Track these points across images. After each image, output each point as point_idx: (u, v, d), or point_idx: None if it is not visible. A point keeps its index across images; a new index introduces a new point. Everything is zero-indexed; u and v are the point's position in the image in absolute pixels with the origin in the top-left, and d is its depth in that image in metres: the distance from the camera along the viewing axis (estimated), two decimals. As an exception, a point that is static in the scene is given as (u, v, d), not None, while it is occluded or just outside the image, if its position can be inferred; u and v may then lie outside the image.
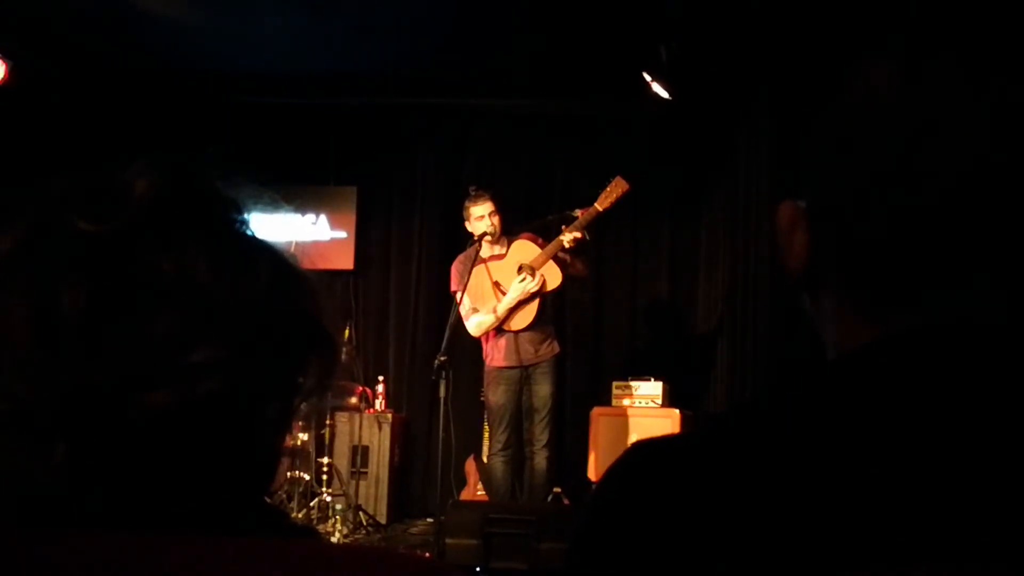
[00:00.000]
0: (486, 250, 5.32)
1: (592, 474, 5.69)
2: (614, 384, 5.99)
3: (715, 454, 0.65)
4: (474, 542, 4.37)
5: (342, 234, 7.05)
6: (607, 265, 6.79)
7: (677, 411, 5.71)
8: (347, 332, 6.26)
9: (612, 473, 0.69)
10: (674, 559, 0.62)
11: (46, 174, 0.69)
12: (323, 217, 7.03)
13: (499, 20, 5.60)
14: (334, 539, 5.28)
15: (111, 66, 6.18)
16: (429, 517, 6.21)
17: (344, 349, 5.90)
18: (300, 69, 6.39)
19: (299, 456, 5.80)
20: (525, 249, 5.29)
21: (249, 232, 0.74)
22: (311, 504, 5.70)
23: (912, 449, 0.60)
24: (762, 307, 5.99)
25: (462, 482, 5.97)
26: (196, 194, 0.71)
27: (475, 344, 5.55)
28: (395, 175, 7.17)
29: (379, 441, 6.36)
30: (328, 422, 6.00)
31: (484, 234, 5.29)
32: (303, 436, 5.77)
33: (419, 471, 6.74)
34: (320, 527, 5.46)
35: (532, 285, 5.18)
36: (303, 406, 0.73)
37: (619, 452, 0.70)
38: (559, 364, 5.59)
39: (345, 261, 6.97)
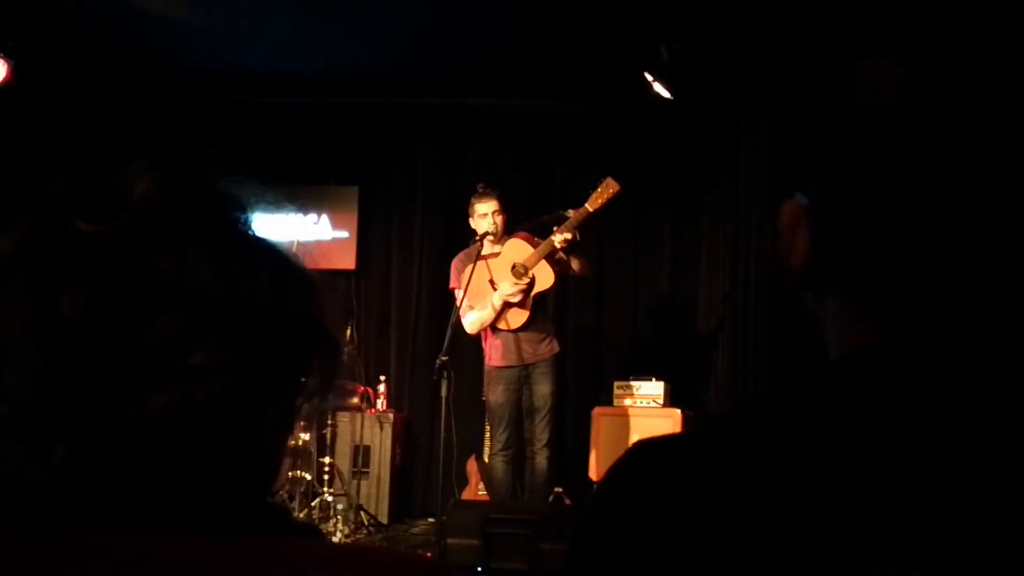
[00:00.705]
0: (487, 248, 5.33)
1: (593, 474, 5.69)
2: (615, 384, 5.99)
3: (716, 454, 0.65)
4: (475, 542, 4.37)
5: (344, 234, 7.05)
6: (608, 265, 6.79)
7: (678, 411, 5.71)
8: (349, 332, 6.26)
9: (613, 473, 0.69)
10: (675, 558, 0.62)
11: (46, 174, 0.69)
12: (325, 217, 7.03)
13: (499, 20, 5.60)
14: (335, 539, 5.28)
15: (111, 66, 6.18)
16: (430, 517, 6.21)
17: (346, 349, 5.89)
18: (301, 69, 6.39)
19: (300, 456, 5.80)
20: (518, 248, 5.29)
21: (251, 232, 0.73)
22: (312, 504, 5.70)
23: (912, 449, 0.60)
24: (763, 307, 5.98)
25: (463, 482, 5.97)
26: (197, 194, 0.71)
27: (476, 344, 5.55)
28: (396, 175, 7.17)
29: (380, 441, 6.36)
30: (330, 422, 6.00)
31: (486, 233, 5.29)
32: (305, 436, 5.78)
33: (420, 471, 6.74)
34: (321, 527, 5.46)
35: (523, 284, 5.18)
36: (305, 406, 0.73)
37: (620, 452, 0.70)
38: (559, 364, 5.58)
39: (347, 261, 6.97)
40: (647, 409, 5.80)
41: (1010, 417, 0.60)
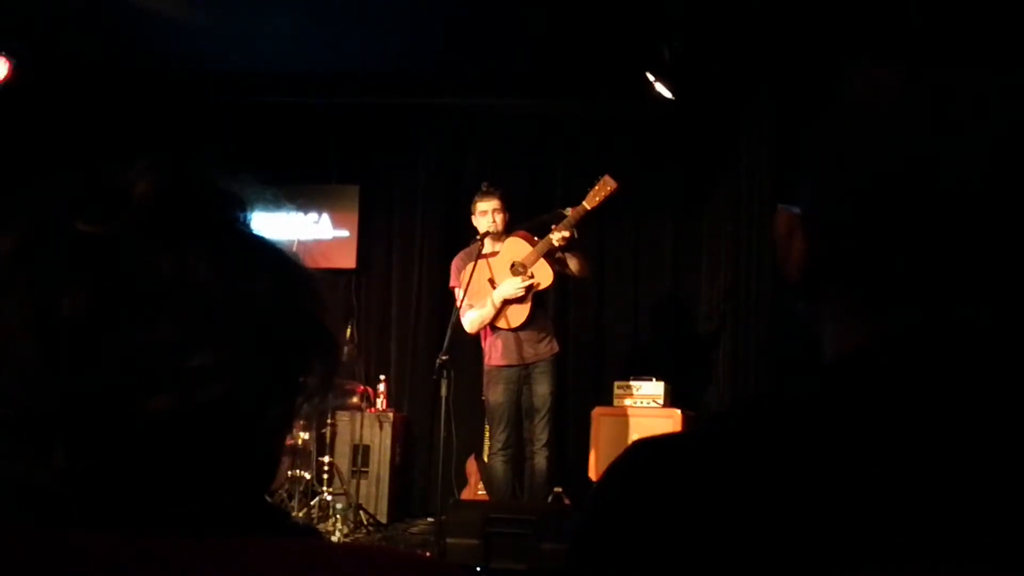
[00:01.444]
0: (487, 247, 5.33)
1: (593, 474, 5.69)
2: (615, 384, 5.99)
3: (715, 453, 0.66)
4: (475, 542, 4.37)
5: (344, 233, 7.05)
6: (609, 265, 6.79)
7: (678, 411, 5.71)
8: (349, 331, 6.26)
9: (613, 472, 0.69)
10: (674, 558, 0.62)
11: (46, 174, 0.68)
12: (325, 216, 7.04)
13: (501, 20, 5.59)
14: (334, 538, 5.28)
15: (112, 65, 6.18)
16: (430, 517, 6.21)
17: (346, 348, 5.89)
18: (301, 69, 6.39)
19: (300, 455, 5.80)
20: (517, 247, 5.30)
21: (251, 232, 0.73)
22: (312, 503, 5.70)
23: (911, 449, 0.60)
24: (764, 307, 5.99)
25: (463, 481, 5.97)
26: (197, 195, 0.70)
27: (476, 343, 5.55)
28: (397, 174, 7.17)
29: (380, 440, 6.36)
30: (329, 421, 6.00)
31: (487, 232, 5.30)
32: (304, 435, 5.78)
33: (420, 470, 6.74)
34: (320, 526, 5.46)
35: (523, 283, 5.18)
36: (305, 406, 0.73)
37: (620, 452, 0.70)
38: (559, 363, 5.59)
39: (347, 260, 6.97)
40: (647, 409, 5.80)
41: (1010, 416, 0.60)
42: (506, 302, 5.25)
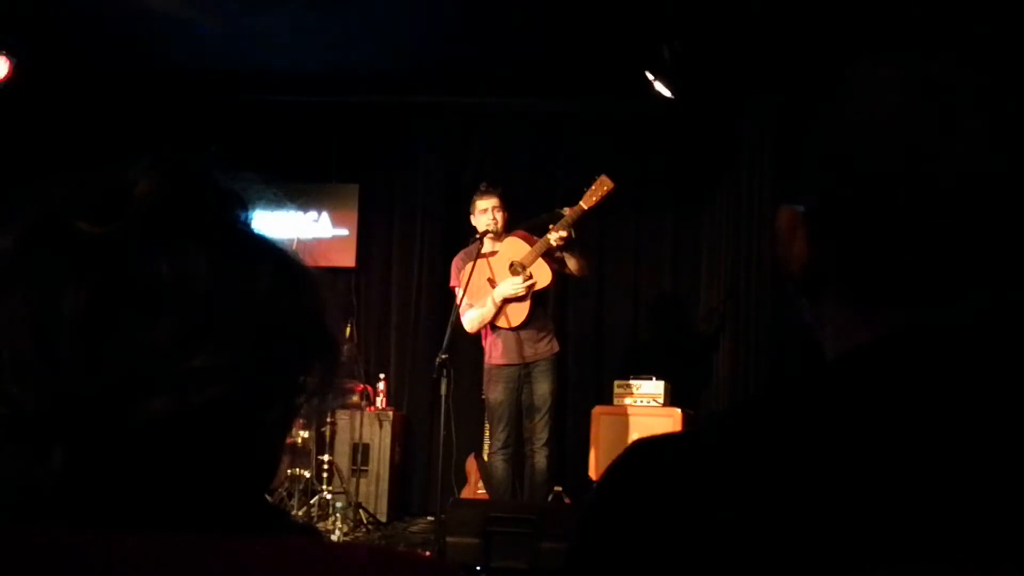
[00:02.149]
0: (487, 247, 5.34)
1: (593, 473, 5.69)
2: (615, 383, 5.99)
3: (715, 453, 0.65)
4: (475, 541, 4.37)
5: (344, 232, 7.05)
6: (609, 264, 6.79)
7: (679, 410, 5.71)
8: (348, 330, 6.25)
9: (613, 471, 0.69)
10: (674, 557, 0.62)
11: (46, 174, 0.68)
12: (325, 214, 7.03)
13: (500, 19, 5.59)
14: (334, 537, 5.28)
15: (112, 65, 6.18)
16: (429, 515, 6.21)
17: (345, 347, 5.88)
18: (302, 68, 6.39)
19: (299, 453, 5.80)
20: (516, 247, 5.30)
21: (251, 231, 0.73)
22: (311, 502, 5.70)
23: (912, 449, 0.60)
24: (764, 306, 5.99)
25: (463, 480, 5.97)
26: (197, 195, 0.70)
27: (476, 342, 5.55)
28: (396, 173, 7.17)
29: (380, 439, 6.37)
30: (329, 420, 5.99)
31: (486, 231, 5.30)
32: (304, 433, 5.77)
33: (420, 469, 6.74)
34: (320, 525, 5.46)
35: (522, 282, 5.19)
36: (305, 405, 0.73)
37: (620, 451, 0.70)
38: (559, 362, 5.58)
39: (347, 259, 6.97)
40: (647, 408, 5.80)
41: (1011, 415, 0.60)
42: (506, 301, 5.26)
